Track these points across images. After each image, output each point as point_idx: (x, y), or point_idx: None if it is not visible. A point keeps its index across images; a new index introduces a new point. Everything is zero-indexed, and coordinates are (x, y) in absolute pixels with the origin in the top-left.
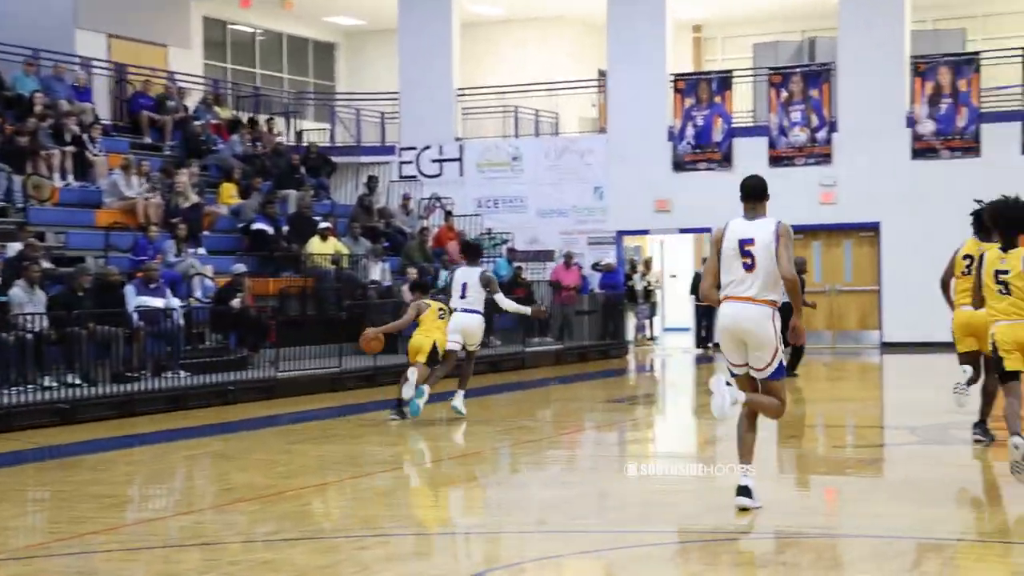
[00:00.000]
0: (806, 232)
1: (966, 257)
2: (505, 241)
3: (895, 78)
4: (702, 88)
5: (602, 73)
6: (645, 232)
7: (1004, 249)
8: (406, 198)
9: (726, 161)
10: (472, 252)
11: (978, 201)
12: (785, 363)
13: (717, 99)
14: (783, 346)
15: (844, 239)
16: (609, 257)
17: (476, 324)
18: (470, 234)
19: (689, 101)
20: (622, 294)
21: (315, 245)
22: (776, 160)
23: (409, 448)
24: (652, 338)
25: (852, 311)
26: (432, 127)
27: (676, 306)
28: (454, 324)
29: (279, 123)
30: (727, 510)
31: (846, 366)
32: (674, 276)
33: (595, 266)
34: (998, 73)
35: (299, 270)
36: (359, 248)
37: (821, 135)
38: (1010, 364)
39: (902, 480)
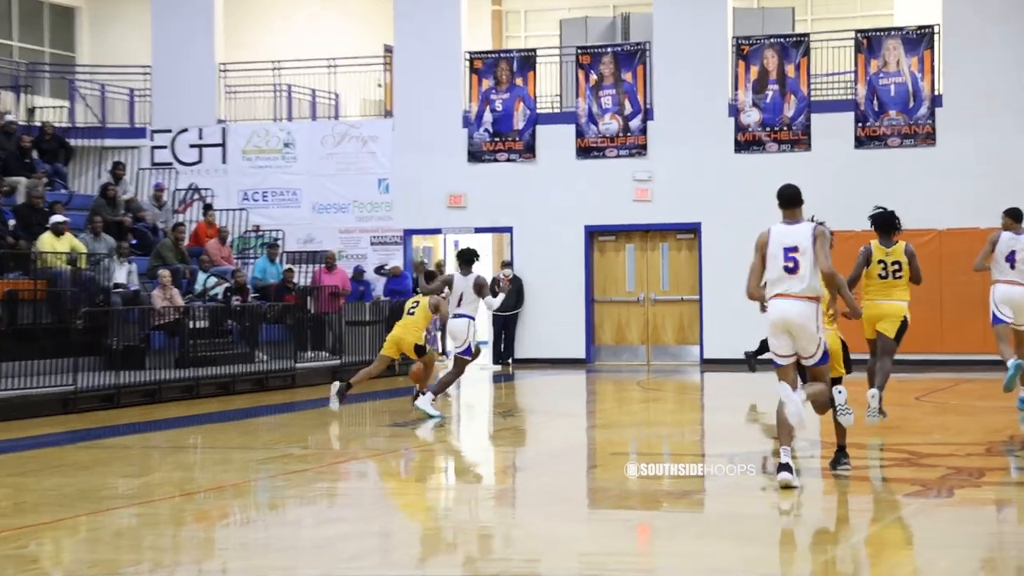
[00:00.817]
0: (618, 233)
1: (879, 262)
2: (275, 241)
3: (717, 61)
4: (502, 68)
5: (388, 49)
6: (437, 231)
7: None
8: (159, 189)
9: (528, 151)
10: (465, 260)
11: (882, 208)
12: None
13: (519, 81)
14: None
15: (660, 242)
16: (395, 260)
17: (462, 326)
18: (233, 231)
19: (487, 83)
20: None
21: (47, 242)
22: (585, 151)
23: (158, 480)
24: (444, 352)
25: (670, 323)
26: (190, 107)
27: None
28: (448, 329)
29: (7, 99)
30: (522, 544)
31: (663, 385)
32: None
33: (379, 270)
34: (830, 58)
35: (29, 271)
36: (100, 246)
37: (635, 123)
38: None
39: (721, 514)
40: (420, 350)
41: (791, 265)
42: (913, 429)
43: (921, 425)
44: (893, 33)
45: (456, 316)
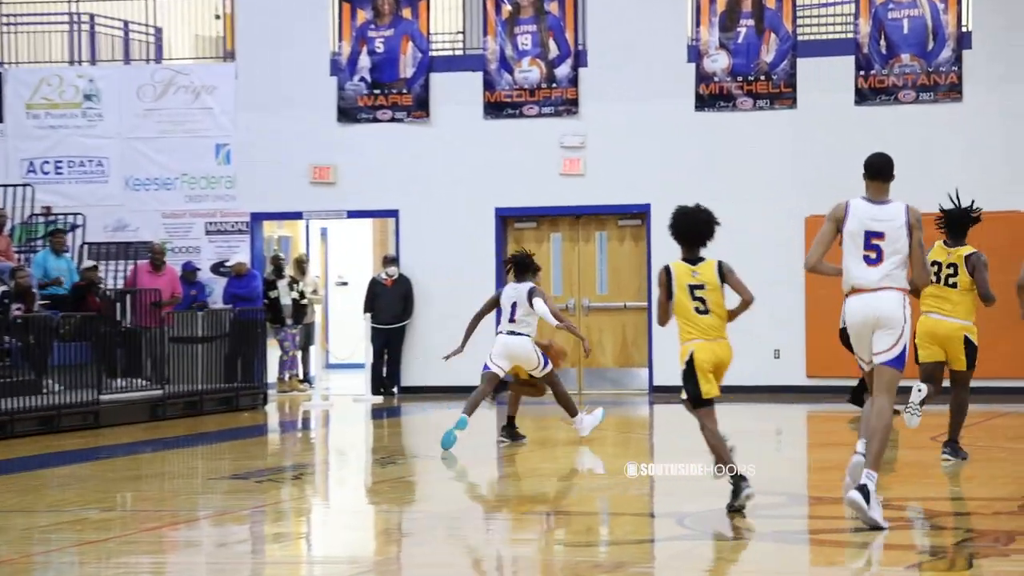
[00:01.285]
0: (540, 219)
1: (933, 263)
2: (66, 227)
3: None
4: None
5: None
6: (296, 216)
7: (692, 261)
8: None
9: (420, 108)
10: (520, 267)
11: (956, 200)
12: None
13: (406, 12)
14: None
15: (597, 230)
16: (240, 254)
17: (524, 347)
18: (12, 215)
19: (363, 15)
20: (260, 311)
21: None
22: (495, 108)
23: None
24: (306, 380)
25: (609, 339)
26: None
27: (345, 331)
28: (500, 349)
29: None
30: None
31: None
32: (343, 283)
33: (218, 267)
34: None
35: None
36: None
37: (563, 71)
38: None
39: None
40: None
41: (874, 255)
42: (926, 479)
43: (937, 474)
44: None
45: (513, 334)
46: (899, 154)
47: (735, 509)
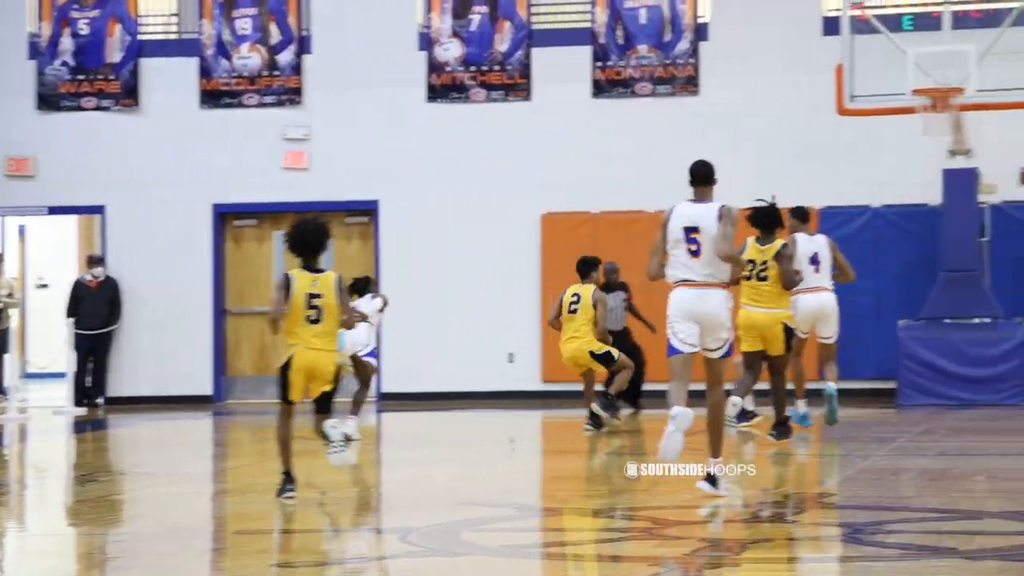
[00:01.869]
0: (261, 216)
1: (749, 261)
2: None
3: None
4: None
5: None
6: None
7: (312, 271)
8: None
9: (128, 96)
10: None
11: (760, 200)
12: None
13: None
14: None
15: None
16: None
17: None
18: None
19: None
20: None
21: None
22: (212, 96)
23: None
24: (0, 391)
25: None
26: None
27: (45, 337)
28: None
29: None
30: None
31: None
32: (43, 286)
33: None
34: None
35: None
36: None
37: (286, 58)
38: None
39: None
40: (606, 358)
41: (695, 248)
42: (662, 487)
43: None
44: None
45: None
46: (637, 146)
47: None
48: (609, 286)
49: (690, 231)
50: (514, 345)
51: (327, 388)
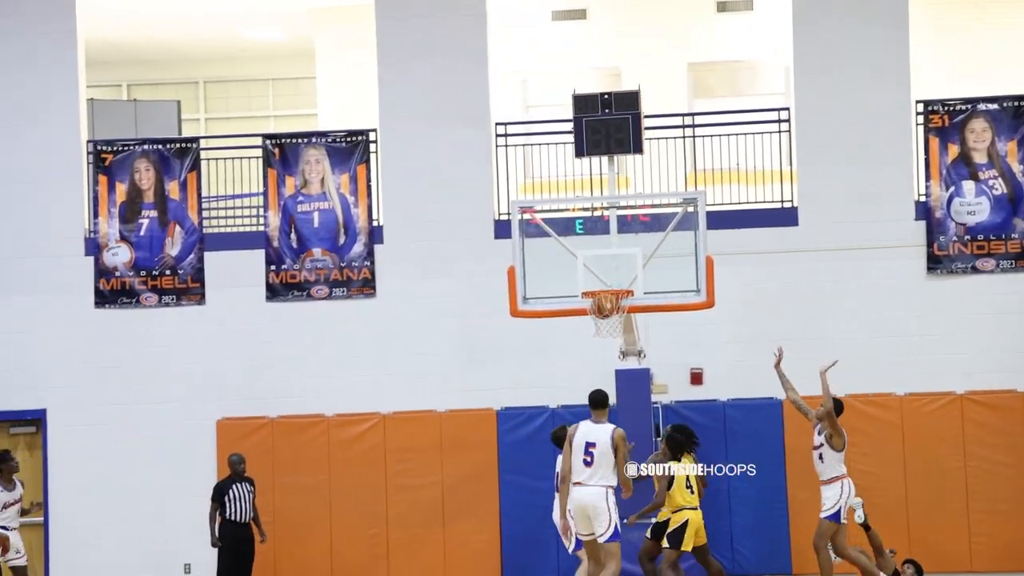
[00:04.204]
0: None
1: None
2: None
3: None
4: None
5: None
6: None
7: None
8: None
9: None
10: (600, 402)
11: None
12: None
13: None
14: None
15: None
16: None
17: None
18: None
19: None
20: None
21: None
22: None
23: None
24: None
25: None
26: None
27: None
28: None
29: None
30: None
31: None
32: None
33: None
34: (232, 173)
35: None
36: None
37: None
38: None
39: None
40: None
41: (588, 459)
42: None
43: None
44: (316, 140)
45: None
46: (314, 350)
47: None
48: (235, 477)
49: (589, 445)
50: (190, 556)
51: None
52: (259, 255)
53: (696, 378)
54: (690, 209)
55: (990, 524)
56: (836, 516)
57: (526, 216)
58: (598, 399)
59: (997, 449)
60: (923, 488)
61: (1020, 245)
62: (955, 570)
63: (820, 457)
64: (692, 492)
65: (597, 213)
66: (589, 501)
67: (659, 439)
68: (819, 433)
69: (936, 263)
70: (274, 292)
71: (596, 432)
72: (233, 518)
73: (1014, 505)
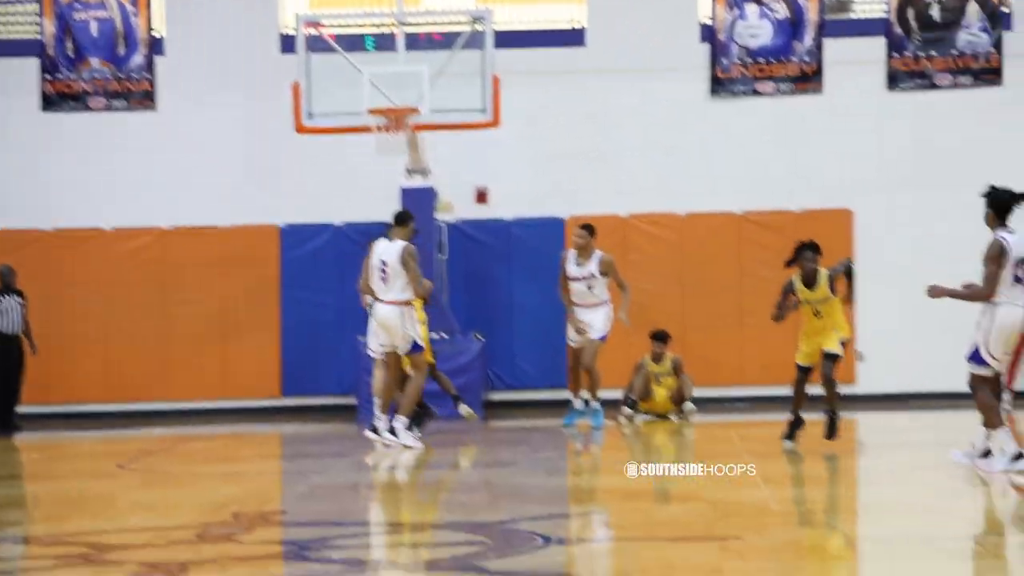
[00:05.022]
0: None
1: None
2: None
3: None
4: None
5: None
6: None
7: None
8: None
9: None
10: (397, 220)
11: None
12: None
13: None
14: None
15: None
16: None
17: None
18: None
19: None
20: None
21: None
22: None
23: None
24: None
25: None
26: None
27: None
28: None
29: None
30: None
31: None
32: None
33: None
34: None
35: None
36: None
37: None
38: None
39: None
40: None
41: (383, 276)
42: (106, 510)
43: (118, 504)
44: None
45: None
46: (93, 160)
47: None
48: (3, 289)
49: (383, 263)
50: None
51: None
52: (33, 63)
53: (481, 197)
54: (478, 28)
55: (761, 340)
56: (604, 337)
57: (312, 31)
58: (396, 218)
59: (770, 267)
60: (699, 305)
61: (799, 68)
62: (727, 383)
63: (589, 287)
64: None
65: (388, 30)
66: (383, 317)
67: (443, 256)
68: (581, 266)
69: (719, 85)
70: (49, 102)
71: (389, 250)
72: (0, 330)
73: (784, 322)
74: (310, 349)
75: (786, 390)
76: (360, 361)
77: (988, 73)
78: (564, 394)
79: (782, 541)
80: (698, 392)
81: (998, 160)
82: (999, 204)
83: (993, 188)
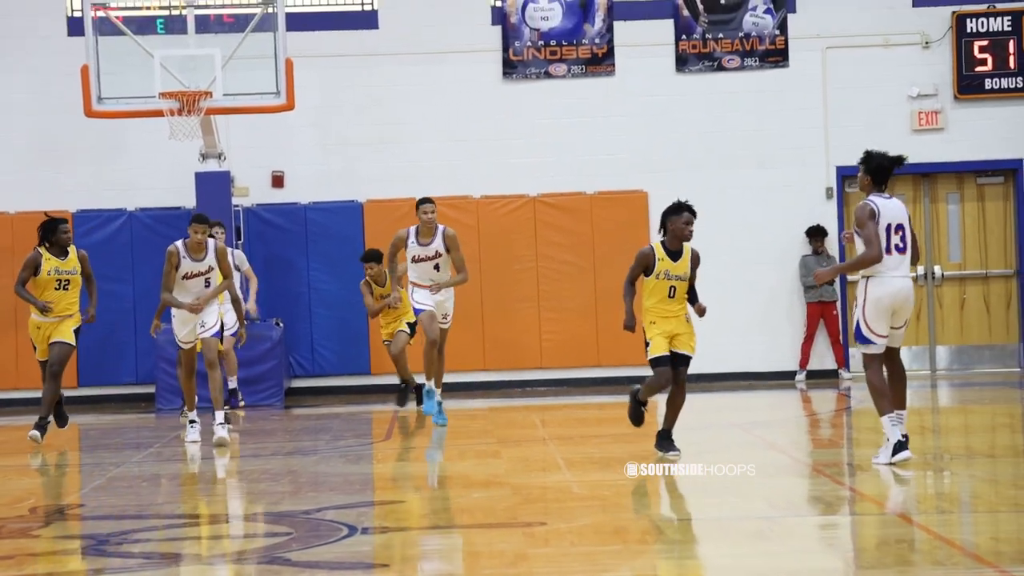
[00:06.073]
0: None
1: None
2: None
3: None
4: None
5: None
6: None
7: None
8: None
9: None
10: None
11: None
12: None
13: None
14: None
15: None
16: None
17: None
18: None
19: None
20: None
21: None
22: None
23: None
24: None
25: None
26: None
27: None
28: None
29: None
30: None
31: None
32: None
33: None
34: None
35: None
36: None
37: None
38: None
39: None
40: None
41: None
42: None
43: None
44: None
45: None
46: None
47: None
48: None
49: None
50: None
51: None
52: None
53: (277, 181)
54: (269, 10)
55: (558, 323)
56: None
57: (100, 13)
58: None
59: (565, 249)
60: (497, 289)
61: (590, 51)
62: (527, 367)
63: (436, 267)
64: None
65: (179, 12)
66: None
67: (240, 241)
68: (425, 245)
69: (511, 68)
70: None
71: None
72: None
73: (579, 303)
74: (105, 338)
75: (584, 372)
76: (156, 350)
77: (774, 55)
78: (363, 380)
79: (586, 525)
80: (497, 376)
81: (786, 140)
82: (877, 169)
83: (869, 153)
